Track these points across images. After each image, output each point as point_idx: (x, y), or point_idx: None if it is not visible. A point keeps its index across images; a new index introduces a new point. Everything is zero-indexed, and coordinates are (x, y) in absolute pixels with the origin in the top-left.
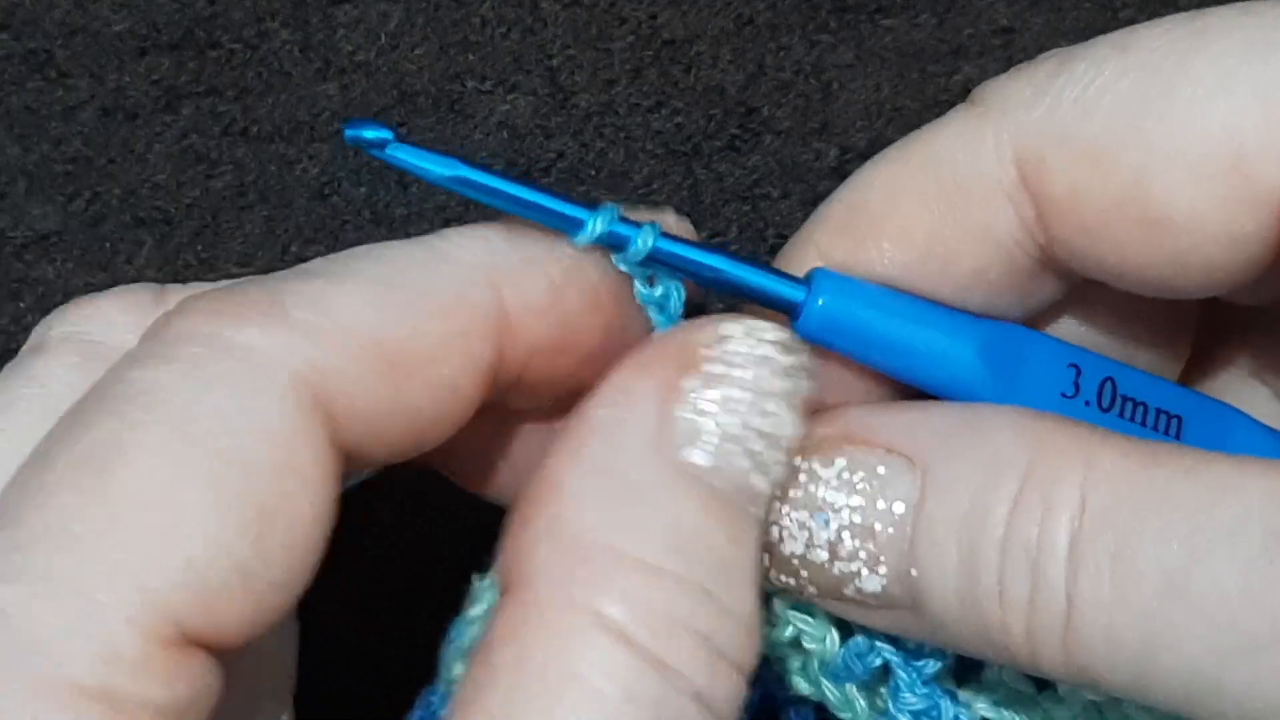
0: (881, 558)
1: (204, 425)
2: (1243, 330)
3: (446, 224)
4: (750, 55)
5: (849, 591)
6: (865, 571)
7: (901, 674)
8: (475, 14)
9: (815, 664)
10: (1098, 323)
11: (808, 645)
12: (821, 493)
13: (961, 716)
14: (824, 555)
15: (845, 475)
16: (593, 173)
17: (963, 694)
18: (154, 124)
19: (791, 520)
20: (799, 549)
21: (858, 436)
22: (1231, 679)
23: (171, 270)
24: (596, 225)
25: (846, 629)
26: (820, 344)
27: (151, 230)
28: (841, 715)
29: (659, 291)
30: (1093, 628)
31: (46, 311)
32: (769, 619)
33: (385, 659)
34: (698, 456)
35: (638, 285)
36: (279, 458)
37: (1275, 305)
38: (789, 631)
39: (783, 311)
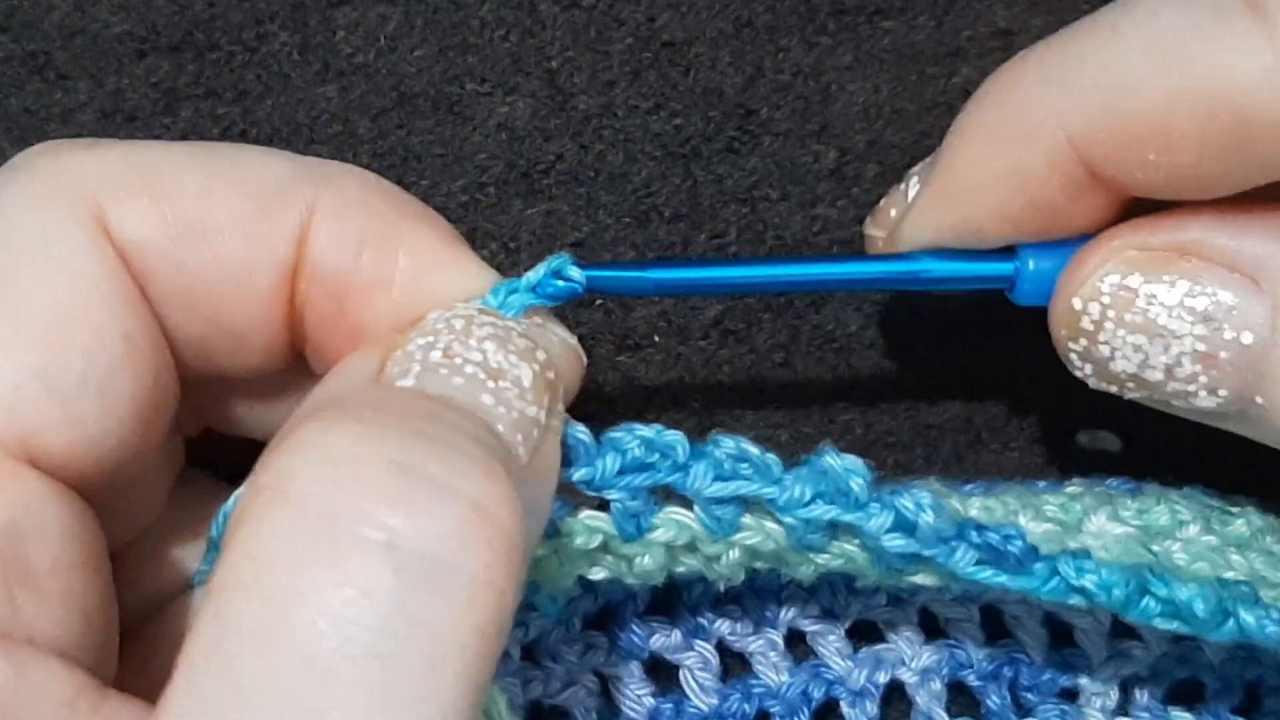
0: (1223, 384)
1: None
2: None
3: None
4: (749, 57)
5: (1179, 404)
6: (1203, 394)
7: (847, 516)
8: (474, 16)
9: (790, 555)
10: None
11: (764, 550)
12: (1163, 320)
13: (924, 503)
14: (1158, 375)
15: (1188, 302)
16: (592, 174)
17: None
18: (153, 126)
19: (1125, 342)
20: (1131, 368)
21: (1199, 252)
22: None
23: None
24: None
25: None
26: (1038, 304)
27: None
28: (849, 570)
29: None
30: None
31: None
32: (712, 557)
33: None
34: (404, 381)
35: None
36: (61, 264)
37: None
38: (738, 551)
39: (996, 288)
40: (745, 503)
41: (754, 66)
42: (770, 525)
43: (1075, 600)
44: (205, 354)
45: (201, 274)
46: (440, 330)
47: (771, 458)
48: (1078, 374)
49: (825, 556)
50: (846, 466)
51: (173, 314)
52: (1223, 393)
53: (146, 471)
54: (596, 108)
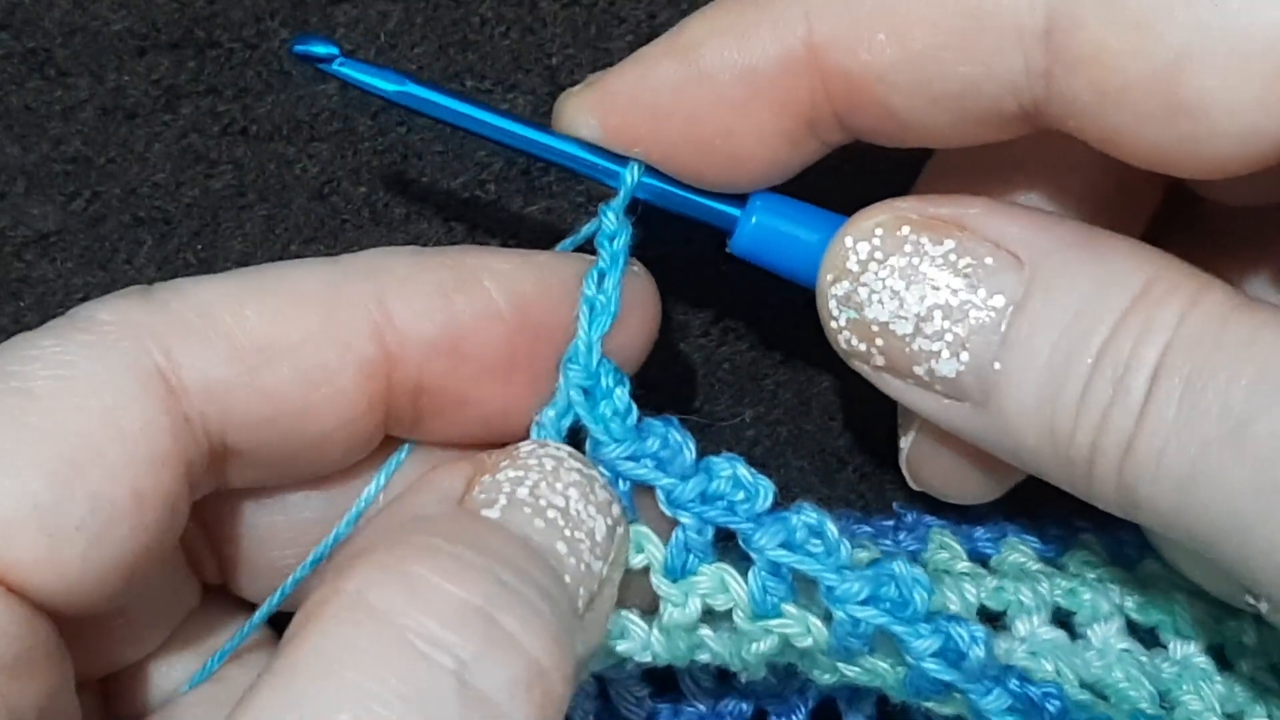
0: (967, 344)
1: (27, 382)
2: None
3: (446, 223)
4: None
5: (919, 370)
6: (945, 354)
7: (898, 628)
8: (474, 13)
9: (819, 657)
10: (1057, 175)
11: (799, 644)
12: (925, 267)
13: (979, 636)
14: (908, 328)
15: (952, 257)
16: None
17: (999, 644)
18: (153, 123)
19: (885, 286)
20: (884, 316)
21: (972, 227)
22: (1266, 524)
23: (171, 270)
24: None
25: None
26: (753, 260)
27: (151, 230)
28: (873, 686)
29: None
30: (1149, 449)
31: (46, 311)
32: (745, 636)
33: None
34: (489, 511)
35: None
36: (95, 413)
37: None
38: (773, 640)
39: (720, 228)
40: (795, 590)
41: None
42: (814, 621)
43: None
44: (285, 467)
45: (283, 393)
46: (531, 467)
47: (846, 544)
48: (831, 330)
49: (855, 670)
50: (915, 577)
51: (257, 439)
52: (964, 356)
53: (139, 607)
54: None
